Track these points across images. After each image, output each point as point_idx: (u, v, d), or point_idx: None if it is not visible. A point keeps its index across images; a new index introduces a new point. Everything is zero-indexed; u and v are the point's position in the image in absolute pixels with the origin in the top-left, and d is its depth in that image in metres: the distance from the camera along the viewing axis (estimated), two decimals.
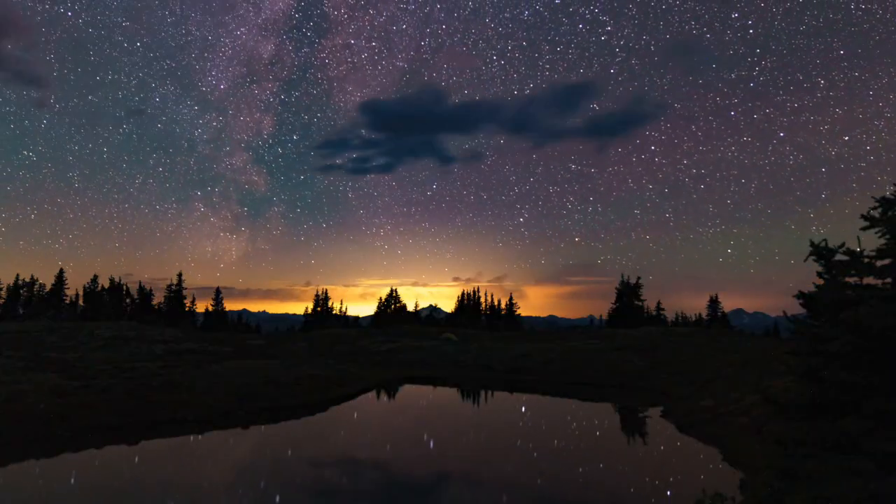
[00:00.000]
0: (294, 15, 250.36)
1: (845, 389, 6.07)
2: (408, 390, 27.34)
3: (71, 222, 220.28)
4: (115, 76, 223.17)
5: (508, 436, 17.17)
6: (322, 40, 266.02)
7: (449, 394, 26.96)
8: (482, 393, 26.72)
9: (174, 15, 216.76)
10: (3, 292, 58.71)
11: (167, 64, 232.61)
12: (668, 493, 11.46)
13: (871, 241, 6.63)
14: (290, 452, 14.55)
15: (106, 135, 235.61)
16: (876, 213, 6.62)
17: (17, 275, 61.19)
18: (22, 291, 59.43)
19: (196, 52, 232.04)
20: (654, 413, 20.92)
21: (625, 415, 22.06)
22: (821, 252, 6.97)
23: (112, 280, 64.04)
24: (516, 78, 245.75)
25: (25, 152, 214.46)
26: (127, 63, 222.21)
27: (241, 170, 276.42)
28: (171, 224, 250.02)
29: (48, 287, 60.71)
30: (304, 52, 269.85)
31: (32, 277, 60.52)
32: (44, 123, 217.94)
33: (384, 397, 24.76)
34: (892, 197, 6.56)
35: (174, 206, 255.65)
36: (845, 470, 5.47)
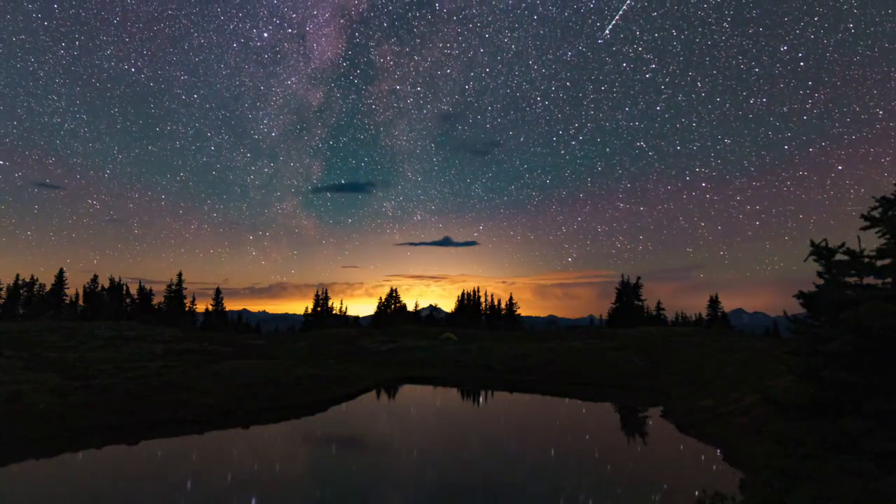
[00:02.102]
0: (342, 63, 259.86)
1: (845, 389, 6.06)
2: (408, 390, 27.35)
3: (130, 267, 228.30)
4: (173, 126, 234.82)
5: (508, 436, 17.17)
6: (369, 87, 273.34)
7: (449, 394, 26.95)
8: (482, 393, 26.72)
9: (229, 67, 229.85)
10: (3, 292, 58.73)
11: (222, 114, 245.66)
12: (669, 492, 11.45)
13: (872, 241, 6.63)
14: (289, 453, 14.54)
15: (164, 183, 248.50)
16: (876, 213, 6.62)
17: (17, 275, 61.24)
18: (22, 291, 59.43)
19: (249, 101, 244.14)
20: (654, 413, 20.92)
21: (625, 415, 22.05)
22: (821, 252, 6.96)
23: (112, 280, 64.09)
24: (560, 118, 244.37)
25: (90, 201, 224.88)
26: (184, 114, 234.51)
27: (292, 214, 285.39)
28: (225, 268, 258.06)
29: (48, 287, 60.71)
30: (352, 98, 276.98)
31: (32, 277, 60.60)
32: (107, 174, 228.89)
33: (384, 397, 24.76)
34: (892, 197, 6.56)
35: (227, 249, 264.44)
36: (845, 470, 5.47)
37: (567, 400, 25.02)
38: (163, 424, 16.67)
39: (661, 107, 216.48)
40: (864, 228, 6.66)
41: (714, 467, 13.30)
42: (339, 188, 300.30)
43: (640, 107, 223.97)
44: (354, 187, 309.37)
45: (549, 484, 11.86)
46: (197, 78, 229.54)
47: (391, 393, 25.97)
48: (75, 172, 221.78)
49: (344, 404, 21.90)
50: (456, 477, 12.51)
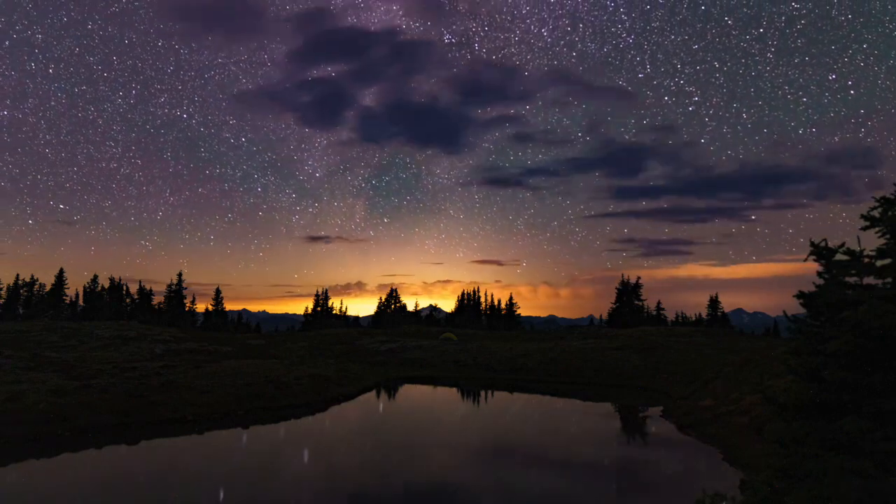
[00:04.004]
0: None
1: (845, 389, 6.06)
2: (407, 390, 27.34)
3: None
4: (222, 169, 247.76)
5: (507, 436, 17.16)
6: None
7: (449, 394, 26.95)
8: (482, 393, 26.71)
9: (275, 111, 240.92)
10: (3, 292, 58.67)
11: (268, 156, 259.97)
12: (669, 492, 11.45)
13: (872, 241, 6.62)
14: (289, 453, 14.55)
15: (213, 223, 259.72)
16: (876, 213, 6.61)
17: (17, 275, 61.19)
18: (22, 291, 59.38)
19: (294, 143, 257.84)
20: (654, 413, 20.92)
21: (625, 415, 22.05)
22: (821, 252, 6.95)
23: (112, 280, 64.04)
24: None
25: (143, 242, 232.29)
26: (233, 157, 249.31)
27: (335, 252, 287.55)
28: (273, 304, 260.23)
29: (48, 287, 60.65)
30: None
31: (32, 277, 60.49)
32: (159, 216, 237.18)
33: (384, 397, 24.76)
34: (892, 197, 6.55)
35: (274, 288, 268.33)
36: (845, 470, 5.47)
37: (567, 400, 25.01)
38: (163, 424, 16.67)
39: (705, 139, 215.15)
40: (864, 228, 6.65)
41: (714, 467, 13.30)
42: (381, 227, 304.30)
43: (683, 138, 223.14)
44: (396, 226, 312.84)
45: (547, 484, 11.86)
46: (245, 122, 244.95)
47: (391, 392, 25.96)
48: (129, 215, 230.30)
49: (344, 404, 21.91)
50: (453, 474, 12.50)
